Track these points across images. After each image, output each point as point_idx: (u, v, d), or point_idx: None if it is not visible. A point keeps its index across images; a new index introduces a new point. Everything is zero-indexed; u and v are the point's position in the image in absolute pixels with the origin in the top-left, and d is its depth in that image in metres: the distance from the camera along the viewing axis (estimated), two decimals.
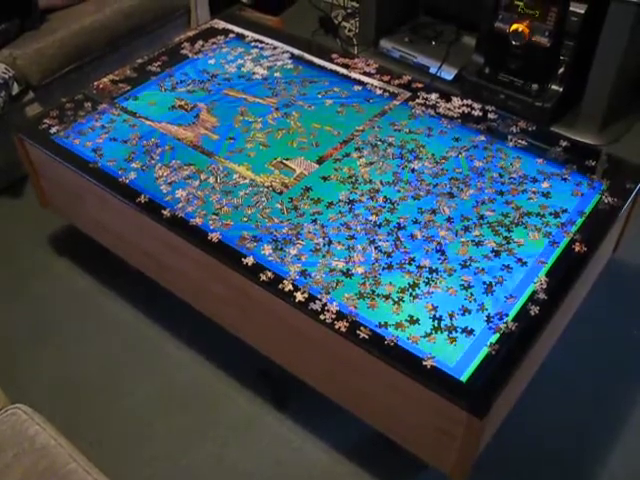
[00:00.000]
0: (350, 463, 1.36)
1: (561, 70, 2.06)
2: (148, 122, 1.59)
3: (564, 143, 1.49)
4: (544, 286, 1.20)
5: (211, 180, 1.42)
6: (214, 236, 1.30)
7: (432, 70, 2.32)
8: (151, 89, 1.70)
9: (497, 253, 1.26)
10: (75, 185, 1.52)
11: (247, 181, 1.42)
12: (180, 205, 1.37)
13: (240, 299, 1.31)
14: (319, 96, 1.64)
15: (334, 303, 1.18)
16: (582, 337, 1.53)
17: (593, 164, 1.44)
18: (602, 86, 2.00)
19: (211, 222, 1.33)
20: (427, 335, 1.13)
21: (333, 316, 1.16)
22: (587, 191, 1.38)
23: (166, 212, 1.36)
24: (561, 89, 2.08)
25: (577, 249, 1.26)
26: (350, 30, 2.52)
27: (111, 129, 1.57)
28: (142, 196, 1.39)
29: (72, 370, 1.53)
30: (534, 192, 1.37)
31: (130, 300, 1.67)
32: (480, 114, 1.57)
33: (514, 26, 2.03)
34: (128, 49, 2.09)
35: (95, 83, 1.71)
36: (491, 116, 1.56)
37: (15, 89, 1.87)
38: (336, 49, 2.48)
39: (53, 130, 1.58)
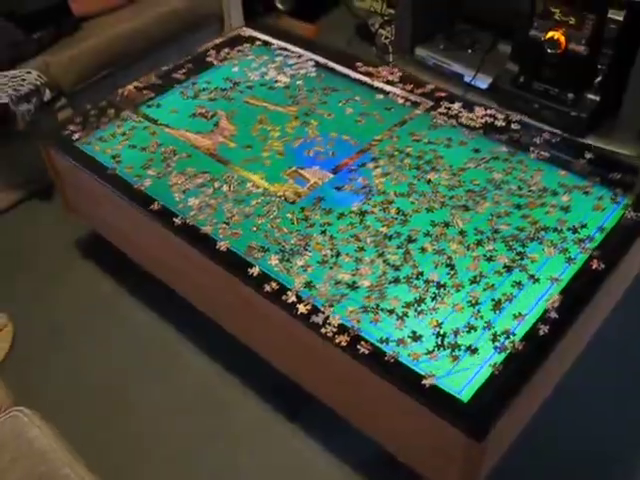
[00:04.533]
0: (357, 477, 1.33)
1: (598, 79, 1.99)
2: (168, 130, 1.60)
3: (589, 155, 1.43)
4: (556, 305, 1.15)
5: (224, 188, 1.42)
6: (222, 245, 1.29)
7: (466, 79, 2.27)
8: (174, 96, 1.71)
9: (509, 269, 1.21)
10: (94, 191, 1.53)
11: (260, 190, 1.41)
12: (192, 213, 1.37)
13: (247, 309, 1.30)
14: (340, 105, 1.63)
15: (337, 316, 1.16)
16: (604, 358, 1.46)
17: (618, 177, 1.38)
18: None
19: (221, 231, 1.32)
20: (429, 352, 1.10)
21: (334, 330, 1.14)
22: (609, 205, 1.32)
23: (177, 220, 1.36)
24: (598, 98, 2.01)
25: (594, 267, 1.21)
26: (386, 38, 2.49)
27: (131, 136, 1.59)
28: (155, 203, 1.40)
29: (86, 375, 1.54)
30: (553, 206, 1.33)
31: (151, 306, 1.68)
32: (503, 124, 1.53)
33: (550, 34, 1.97)
34: (161, 56, 2.11)
35: (120, 90, 1.73)
36: (514, 126, 1.52)
37: (47, 95, 1.90)
38: (371, 57, 2.47)
39: (76, 136, 1.60)
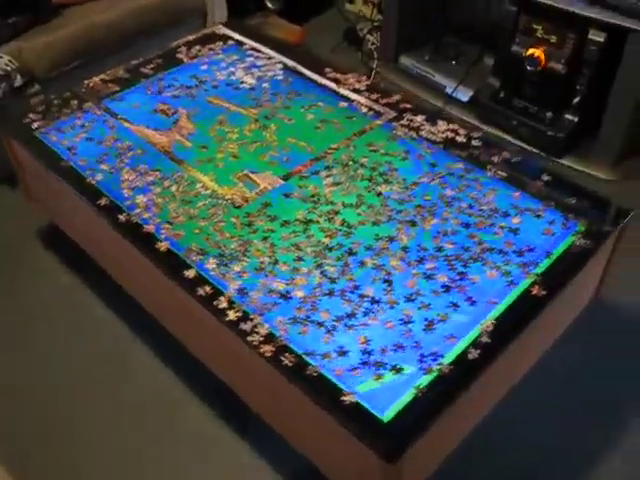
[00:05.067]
0: None
1: (577, 99, 1.97)
2: (126, 124, 1.58)
3: (546, 177, 1.40)
4: (490, 329, 1.12)
5: (173, 188, 1.40)
6: (162, 245, 1.27)
7: (448, 90, 2.25)
8: (138, 91, 1.69)
9: (447, 289, 1.19)
10: (50, 182, 1.51)
11: (208, 192, 1.38)
12: (137, 211, 1.35)
13: (183, 312, 1.28)
14: (302, 110, 1.60)
15: (266, 325, 1.13)
16: (546, 388, 1.43)
17: (573, 202, 1.35)
18: (619, 118, 1.90)
19: (163, 231, 1.30)
20: (353, 369, 1.07)
21: (261, 339, 1.11)
22: (560, 231, 1.29)
23: (122, 216, 1.34)
24: (576, 119, 1.98)
25: (535, 292, 1.18)
26: (373, 44, 2.47)
27: (90, 128, 1.57)
28: (104, 199, 1.38)
29: (31, 372, 1.52)
30: (502, 227, 1.30)
31: (108, 302, 1.65)
32: (464, 140, 1.50)
33: (530, 51, 1.95)
34: (138, 48, 2.08)
35: (86, 81, 1.72)
36: (475, 143, 1.49)
37: (18, 81, 1.89)
38: (356, 62, 2.45)
39: (35, 125, 1.58)
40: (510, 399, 1.28)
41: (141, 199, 1.37)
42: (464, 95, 2.22)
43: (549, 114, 2.02)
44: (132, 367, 1.52)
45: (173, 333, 1.40)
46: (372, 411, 1.01)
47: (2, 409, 1.44)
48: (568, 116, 2.00)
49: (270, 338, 1.11)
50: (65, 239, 1.66)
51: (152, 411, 1.43)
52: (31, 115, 1.61)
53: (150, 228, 1.31)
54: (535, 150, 2.05)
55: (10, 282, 1.72)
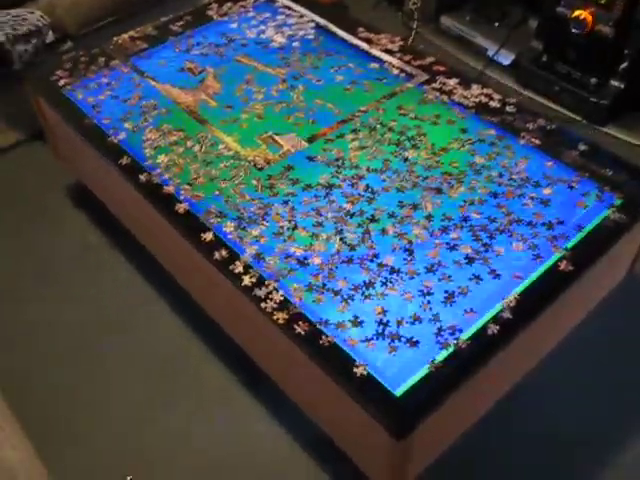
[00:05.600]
0: (304, 454, 1.29)
1: (624, 65, 1.87)
2: (153, 82, 1.55)
3: (582, 147, 1.33)
4: (512, 304, 1.08)
5: (196, 148, 1.37)
6: (181, 207, 1.25)
7: (489, 53, 2.16)
8: (167, 49, 1.66)
9: (470, 260, 1.14)
10: (73, 140, 1.50)
11: (231, 153, 1.35)
12: (158, 171, 1.33)
13: (200, 274, 1.27)
14: (331, 71, 1.55)
15: (280, 292, 1.10)
16: (574, 362, 1.38)
17: (609, 174, 1.28)
18: None
19: (183, 192, 1.28)
20: (367, 340, 1.04)
21: (275, 306, 1.09)
22: (594, 204, 1.23)
23: (143, 176, 1.32)
24: (622, 86, 1.89)
25: (562, 268, 1.13)
26: (414, 3, 2.38)
27: (116, 86, 1.55)
28: (125, 157, 1.36)
29: (53, 327, 1.53)
30: (532, 198, 1.24)
31: (133, 262, 1.64)
32: (498, 106, 1.43)
33: (576, 12, 1.85)
34: (170, 5, 2.05)
35: (115, 38, 1.69)
36: (509, 109, 1.42)
37: (50, 37, 1.87)
38: (397, 22, 2.38)
39: (62, 82, 1.57)
40: (534, 377, 1.24)
41: (163, 159, 1.35)
42: (506, 58, 2.13)
43: (594, 80, 1.92)
44: (153, 326, 1.51)
45: (192, 295, 1.38)
46: (384, 385, 0.99)
47: (15, 361, 1.45)
48: (614, 82, 1.90)
49: (284, 305, 1.09)
50: (93, 197, 1.66)
51: (169, 372, 1.43)
52: (59, 72, 1.59)
53: (170, 189, 1.29)
54: (577, 117, 1.96)
55: (36, 237, 1.72)
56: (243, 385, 1.40)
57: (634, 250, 1.33)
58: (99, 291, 1.59)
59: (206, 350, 1.45)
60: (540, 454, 1.27)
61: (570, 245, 1.16)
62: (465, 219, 1.20)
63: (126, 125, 1.43)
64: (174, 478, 1.28)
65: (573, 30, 1.87)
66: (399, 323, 1.06)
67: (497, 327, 1.05)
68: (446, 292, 1.10)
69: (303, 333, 1.05)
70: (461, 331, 1.05)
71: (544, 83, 2.01)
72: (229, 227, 1.21)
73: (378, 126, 1.39)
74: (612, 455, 1.26)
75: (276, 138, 1.38)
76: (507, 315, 1.06)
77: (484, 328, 1.05)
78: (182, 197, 1.27)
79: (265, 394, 1.37)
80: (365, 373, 1.00)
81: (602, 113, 1.92)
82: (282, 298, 1.10)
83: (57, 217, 1.78)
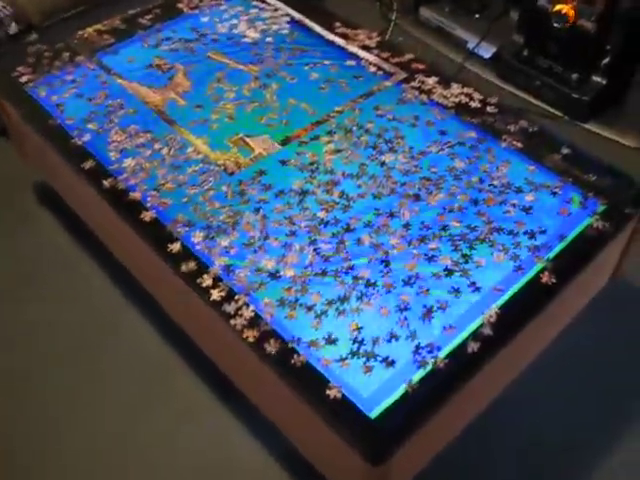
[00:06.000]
0: (282, 470, 1.24)
1: (606, 61, 1.82)
2: (119, 80, 1.48)
3: (566, 150, 1.29)
4: (493, 320, 1.03)
5: (164, 151, 1.31)
6: (148, 215, 1.19)
7: (470, 45, 2.11)
8: (135, 44, 1.59)
9: (450, 273, 1.09)
10: (35, 140, 1.43)
11: (200, 157, 1.29)
12: (124, 176, 1.26)
13: (168, 285, 1.21)
14: (306, 68, 1.49)
15: (251, 308, 1.05)
16: (560, 369, 1.35)
17: (593, 179, 1.24)
18: None
19: (150, 199, 1.22)
20: (341, 359, 0.99)
21: (245, 323, 1.04)
22: (577, 211, 1.19)
23: (107, 182, 1.25)
24: (604, 82, 1.84)
25: (544, 280, 1.08)
26: None
27: (81, 84, 1.48)
28: (89, 161, 1.30)
29: (24, 328, 1.46)
30: (513, 205, 1.19)
31: (101, 264, 1.57)
32: (479, 106, 1.38)
33: (558, 6, 1.80)
34: None
35: (80, 32, 1.61)
36: (490, 109, 1.37)
37: (13, 28, 1.79)
38: (375, 13, 2.31)
39: (24, 79, 1.49)
40: (515, 387, 1.20)
41: (129, 163, 1.29)
42: (486, 51, 2.08)
43: (575, 75, 1.88)
44: (123, 334, 1.45)
45: (161, 304, 1.33)
46: (359, 407, 0.94)
47: None
48: (596, 78, 1.86)
49: (255, 322, 1.04)
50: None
51: (141, 381, 1.37)
52: (21, 68, 1.52)
53: (136, 195, 1.22)
54: (558, 113, 1.91)
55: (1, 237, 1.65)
56: (216, 396, 1.34)
57: (617, 256, 1.29)
58: (70, 294, 1.53)
59: (181, 361, 1.39)
60: (524, 463, 1.23)
61: (552, 255, 1.12)
62: (444, 228, 1.16)
63: (91, 126, 1.37)
64: None
65: (554, 24, 1.82)
66: (375, 341, 1.01)
67: (477, 344, 1.01)
68: (424, 307, 1.05)
69: (274, 352, 1.00)
70: (439, 349, 1.00)
71: (525, 77, 1.97)
72: (197, 237, 1.15)
73: (354, 128, 1.34)
74: (598, 459, 1.23)
75: (247, 140, 1.32)
76: (487, 331, 1.02)
77: (463, 345, 1.01)
78: (149, 204, 1.21)
79: (239, 406, 1.32)
80: (339, 395, 0.95)
81: (583, 109, 1.87)
82: (252, 314, 1.05)
83: (23, 216, 1.70)
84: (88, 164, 1.29)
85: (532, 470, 1.23)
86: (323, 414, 0.95)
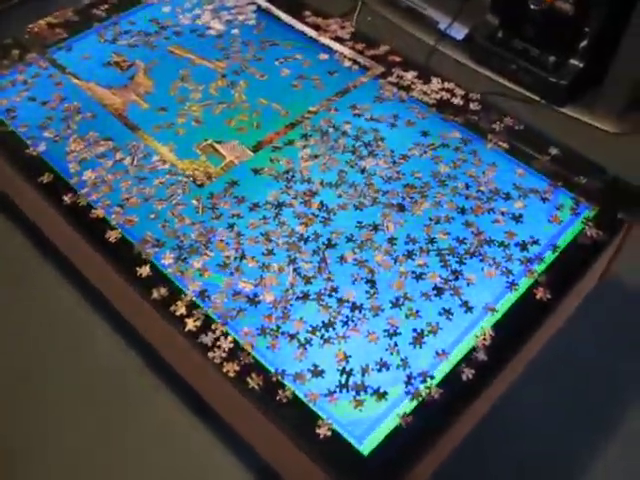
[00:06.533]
0: None
1: (584, 43, 1.76)
2: (75, 80, 1.37)
3: (554, 151, 1.23)
4: (487, 343, 0.98)
5: (127, 161, 1.21)
6: (112, 234, 1.10)
7: (441, 26, 2.02)
8: (90, 39, 1.47)
9: (440, 292, 1.03)
10: None
11: (167, 166, 1.20)
12: (85, 190, 1.17)
13: (139, 312, 1.13)
14: (276, 64, 1.40)
15: (230, 338, 0.98)
16: (543, 380, 1.30)
17: (584, 182, 1.18)
18: (630, 65, 1.70)
19: (114, 216, 1.13)
20: (329, 393, 0.93)
21: (224, 355, 0.97)
22: (568, 218, 1.13)
23: (67, 198, 1.16)
24: (582, 65, 1.78)
25: (539, 296, 1.03)
26: None
27: (33, 85, 1.36)
28: (46, 175, 1.20)
29: None
30: (503, 213, 1.13)
31: (62, 273, 1.47)
32: (461, 103, 1.31)
33: None
34: None
35: (30, 26, 1.49)
36: (473, 107, 1.30)
37: None
38: None
39: None
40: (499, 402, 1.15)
41: (89, 175, 1.19)
42: (459, 33, 2.00)
43: (552, 58, 1.81)
44: (92, 350, 1.37)
45: (138, 329, 1.24)
46: (352, 445, 0.88)
47: None
48: (573, 61, 1.80)
49: (234, 354, 0.97)
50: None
51: (118, 399, 1.29)
52: None
53: (99, 213, 1.13)
54: (535, 97, 1.85)
55: None
56: (193, 413, 1.27)
57: (606, 261, 1.24)
58: (23, 307, 1.43)
59: (157, 378, 1.32)
60: (521, 474, 1.20)
61: (544, 268, 1.06)
62: (431, 241, 1.09)
63: (47, 134, 1.26)
64: None
65: (531, 5, 1.75)
66: (364, 371, 0.95)
67: (472, 371, 0.95)
68: (414, 331, 0.99)
69: (257, 388, 0.94)
70: (432, 377, 0.94)
71: (500, 60, 1.90)
72: (168, 258, 1.07)
73: (330, 130, 1.26)
74: (598, 464, 1.20)
75: (217, 147, 1.23)
76: (482, 357, 0.96)
77: (457, 372, 0.95)
78: (114, 222, 1.12)
79: (216, 422, 1.25)
80: (329, 434, 0.89)
81: (561, 93, 1.81)
82: (232, 345, 0.97)
83: None
84: (45, 178, 1.19)
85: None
86: (313, 454, 0.89)
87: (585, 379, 1.31)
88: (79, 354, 1.35)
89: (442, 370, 0.95)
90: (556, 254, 1.08)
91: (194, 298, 1.02)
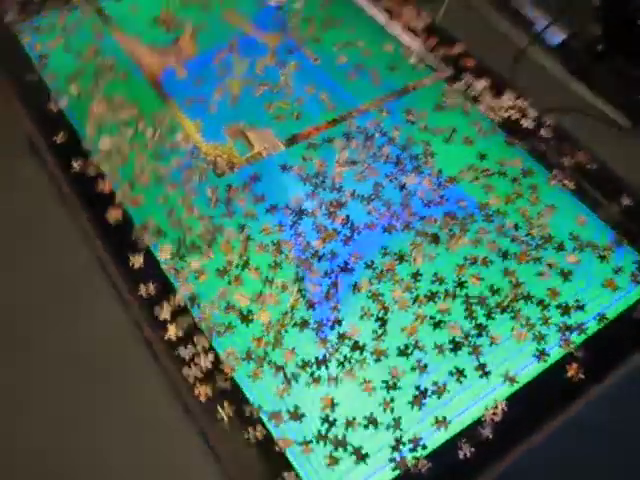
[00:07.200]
0: None
1: None
2: (117, 34, 1.27)
3: (627, 201, 1.05)
4: (497, 418, 0.84)
5: (148, 133, 1.11)
6: (113, 213, 1.00)
7: (537, 28, 1.82)
8: None
9: (457, 347, 0.89)
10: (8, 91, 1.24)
11: (189, 146, 1.09)
12: (97, 158, 1.07)
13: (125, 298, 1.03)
14: (334, 48, 1.25)
15: (210, 357, 0.87)
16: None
17: None
18: None
19: (120, 193, 1.03)
20: (304, 442, 0.81)
21: (199, 375, 0.86)
22: (627, 285, 0.97)
23: (77, 164, 1.06)
24: None
25: (570, 374, 0.88)
26: None
27: (71, 32, 1.27)
28: (61, 134, 1.10)
29: None
30: (551, 266, 0.98)
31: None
32: (531, 126, 1.14)
33: None
34: None
35: None
36: (544, 133, 1.13)
37: None
38: None
39: (8, 18, 1.29)
40: None
41: (105, 142, 1.09)
42: (556, 37, 1.79)
43: None
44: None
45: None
46: None
47: None
48: None
49: (210, 376, 0.86)
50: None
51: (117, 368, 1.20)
52: (6, 3, 1.31)
53: (105, 186, 1.03)
54: (624, 124, 1.64)
55: None
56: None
57: None
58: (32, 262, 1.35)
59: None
60: None
61: (585, 340, 0.91)
62: (461, 285, 0.95)
63: (72, 88, 1.17)
64: None
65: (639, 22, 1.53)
66: (349, 424, 0.83)
67: (471, 449, 0.81)
68: (417, 389, 0.86)
69: (226, 420, 0.83)
70: (424, 447, 0.82)
71: (595, 77, 1.68)
72: (165, 252, 0.97)
73: (377, 134, 1.12)
74: None
75: (248, 133, 1.11)
76: (486, 433, 0.83)
77: (455, 448, 0.82)
78: (118, 199, 1.02)
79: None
80: None
81: None
82: (211, 366, 0.87)
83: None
84: (60, 137, 1.10)
85: None
86: None
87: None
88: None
89: (437, 440, 0.82)
90: (601, 326, 0.92)
91: (182, 303, 0.92)
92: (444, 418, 0.84)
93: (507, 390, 0.86)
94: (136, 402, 0.94)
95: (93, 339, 1.02)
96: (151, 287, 0.93)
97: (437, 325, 0.91)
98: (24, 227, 1.25)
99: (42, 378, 1.00)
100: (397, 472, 0.80)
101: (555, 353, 0.89)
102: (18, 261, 1.18)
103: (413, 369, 0.87)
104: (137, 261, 0.96)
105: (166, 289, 0.94)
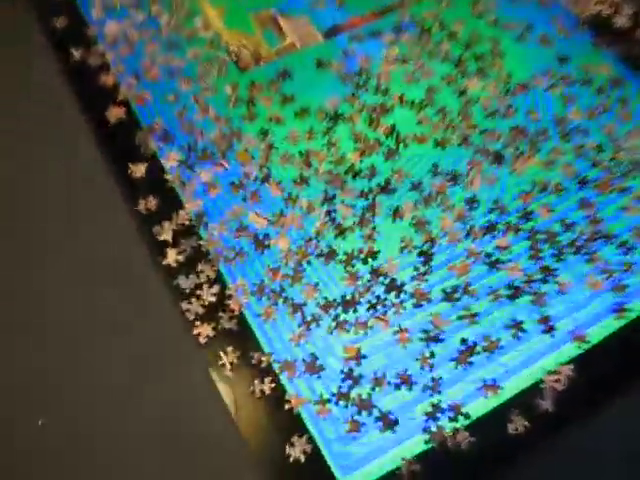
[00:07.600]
0: None
1: None
2: None
3: None
4: (561, 386, 0.69)
5: (163, 19, 0.93)
6: (114, 112, 0.85)
7: None
8: None
9: (516, 293, 0.74)
10: None
11: (209, 34, 0.92)
12: (100, 47, 0.91)
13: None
14: None
15: (214, 288, 0.73)
16: None
17: None
18: None
19: (125, 87, 0.87)
20: (320, 401, 0.69)
21: (200, 311, 0.73)
22: None
23: (77, 53, 0.90)
24: None
25: None
26: None
27: None
28: (61, 18, 0.95)
29: None
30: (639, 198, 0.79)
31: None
32: (626, 24, 0.93)
33: None
34: None
35: None
36: None
37: None
38: None
39: None
40: None
41: (112, 27, 0.92)
42: None
43: None
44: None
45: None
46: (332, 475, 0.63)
47: None
48: None
49: (213, 312, 0.72)
50: None
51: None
52: None
53: (108, 78, 0.87)
54: None
55: None
56: None
57: None
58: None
59: None
60: None
61: None
62: (527, 216, 0.77)
63: None
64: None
65: None
66: (378, 382, 0.68)
67: (525, 424, 0.66)
68: (463, 342, 0.70)
69: (229, 367, 0.69)
70: (467, 417, 0.66)
71: None
72: (172, 159, 0.81)
73: (435, 28, 0.92)
74: None
75: (280, 20, 0.92)
76: (546, 406, 0.67)
77: (505, 420, 0.66)
78: (122, 95, 0.86)
79: None
80: (302, 459, 0.64)
81: None
82: (214, 299, 0.72)
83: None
84: (60, 21, 0.93)
85: None
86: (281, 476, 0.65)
87: None
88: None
89: (483, 409, 0.67)
90: None
91: (187, 222, 0.77)
92: (494, 382, 0.68)
93: (575, 351, 0.70)
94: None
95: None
96: (152, 202, 0.78)
97: (493, 265, 0.74)
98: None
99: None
100: (429, 445, 0.65)
101: (638, 308, 0.72)
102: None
103: (460, 318, 0.71)
104: (138, 170, 0.81)
105: (169, 204, 0.78)
